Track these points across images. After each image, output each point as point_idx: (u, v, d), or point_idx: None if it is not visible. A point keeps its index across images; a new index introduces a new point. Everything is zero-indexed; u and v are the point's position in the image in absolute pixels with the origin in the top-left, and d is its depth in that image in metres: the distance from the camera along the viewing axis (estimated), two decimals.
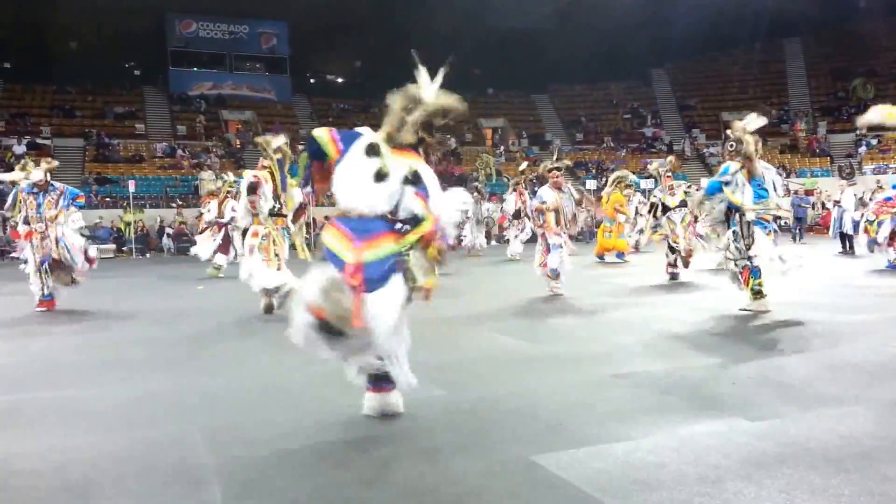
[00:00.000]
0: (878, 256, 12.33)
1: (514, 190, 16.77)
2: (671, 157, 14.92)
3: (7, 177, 9.31)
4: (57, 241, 9.08)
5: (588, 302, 8.79)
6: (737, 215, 7.56)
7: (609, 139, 35.90)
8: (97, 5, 28.46)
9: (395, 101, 4.03)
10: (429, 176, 3.96)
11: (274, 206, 8.57)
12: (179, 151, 30.07)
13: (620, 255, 14.92)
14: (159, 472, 3.31)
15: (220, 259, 13.72)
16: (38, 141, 28.20)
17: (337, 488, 3.10)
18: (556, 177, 9.54)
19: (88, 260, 9.35)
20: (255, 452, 3.57)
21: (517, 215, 16.41)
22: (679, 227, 10.91)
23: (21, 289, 9.72)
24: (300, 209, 8.84)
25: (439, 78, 4.08)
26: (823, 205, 25.51)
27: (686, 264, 11.02)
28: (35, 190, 9.18)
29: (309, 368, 4.92)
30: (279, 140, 8.85)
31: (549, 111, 39.01)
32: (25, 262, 9.30)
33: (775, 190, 7.63)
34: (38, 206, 9.14)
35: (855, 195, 17.13)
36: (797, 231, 20.94)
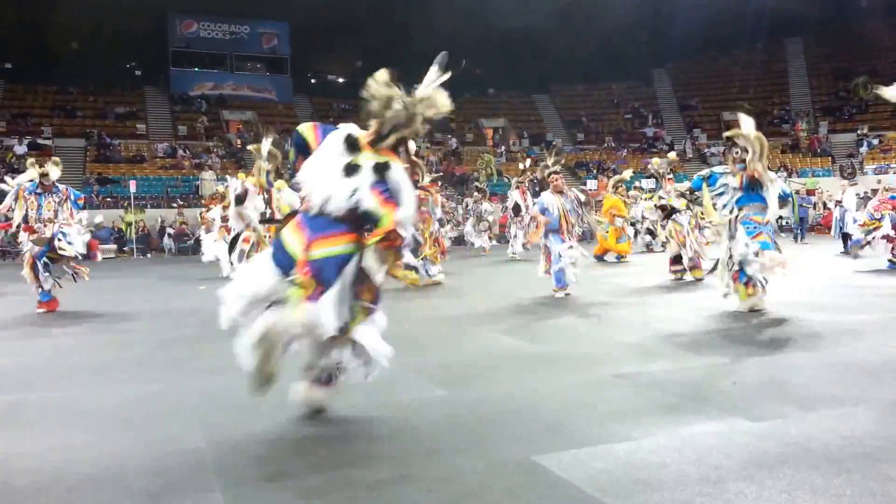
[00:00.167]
0: (867, 256, 12.28)
1: (517, 188, 16.77)
2: (672, 154, 14.91)
3: (24, 177, 9.28)
4: (54, 237, 9.03)
5: (589, 302, 8.79)
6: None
7: (610, 139, 35.90)
8: (98, 6, 28.49)
9: (377, 94, 3.91)
10: (398, 176, 3.88)
11: (265, 213, 8.61)
12: (180, 151, 30.09)
13: (619, 257, 14.94)
14: (160, 472, 3.31)
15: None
16: (40, 141, 28.23)
17: (337, 488, 3.10)
18: (556, 181, 9.47)
19: (91, 250, 9.19)
20: (255, 452, 3.56)
21: (517, 210, 16.40)
22: (686, 228, 10.80)
23: (22, 289, 9.73)
24: (291, 215, 8.87)
25: (441, 78, 4.00)
26: (825, 205, 25.50)
27: (699, 276, 10.75)
28: (39, 190, 9.16)
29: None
30: (267, 143, 8.90)
31: (550, 111, 39.03)
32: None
33: (786, 199, 7.63)
34: (40, 206, 9.12)
35: (856, 195, 17.11)
36: (799, 231, 20.92)
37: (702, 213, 9.07)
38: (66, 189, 9.51)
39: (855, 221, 13.88)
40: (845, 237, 15.75)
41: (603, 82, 39.33)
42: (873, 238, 11.98)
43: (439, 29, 30.73)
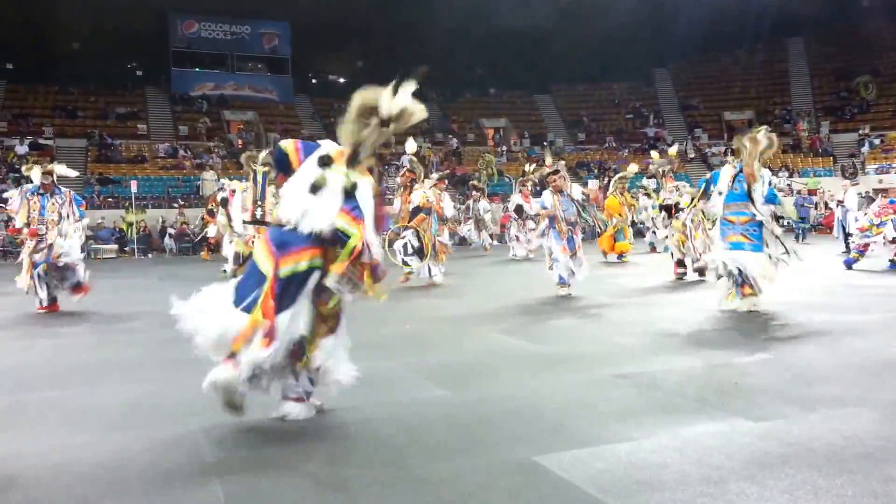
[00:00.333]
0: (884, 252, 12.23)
1: (520, 191, 16.74)
2: (673, 149, 14.89)
3: (35, 179, 9.31)
4: (56, 250, 8.98)
5: (590, 302, 8.78)
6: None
7: (611, 139, 35.87)
8: (99, 6, 28.51)
9: (351, 111, 3.95)
10: (366, 193, 3.90)
11: (255, 214, 8.67)
12: (181, 152, 30.09)
13: (619, 256, 14.94)
14: (161, 472, 3.31)
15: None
16: (41, 141, 28.24)
17: (339, 488, 3.09)
18: (555, 180, 9.45)
19: (79, 286, 9.18)
20: (257, 452, 3.56)
21: (519, 211, 16.39)
22: (689, 228, 10.77)
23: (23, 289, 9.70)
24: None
25: (409, 89, 3.98)
26: (826, 205, 25.47)
27: (702, 273, 10.75)
28: (40, 191, 9.15)
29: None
30: (263, 155, 9.01)
31: (551, 111, 39.00)
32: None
33: (770, 201, 7.62)
34: (42, 208, 9.11)
35: (858, 195, 17.08)
36: (800, 231, 20.89)
37: (703, 213, 9.11)
38: (70, 192, 9.52)
39: (857, 220, 13.85)
40: (847, 237, 15.73)
41: (604, 82, 39.31)
42: (873, 243, 11.92)
43: (440, 29, 30.77)
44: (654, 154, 15.41)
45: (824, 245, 17.89)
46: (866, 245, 11.94)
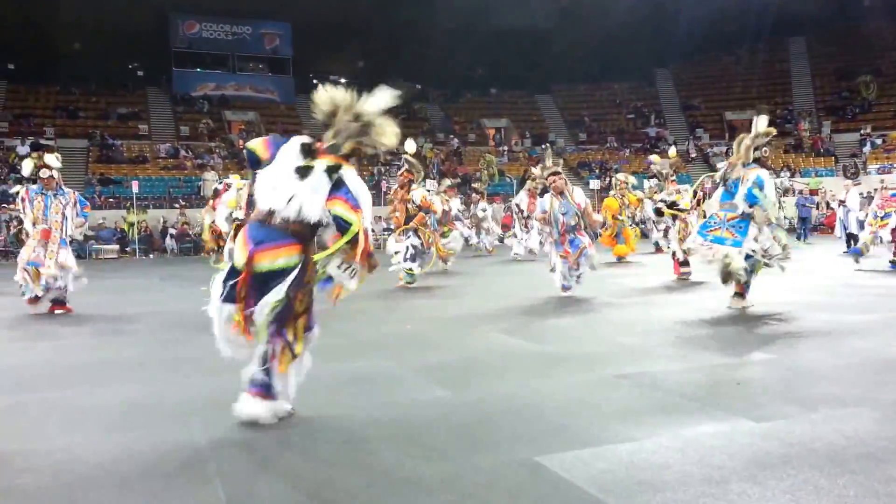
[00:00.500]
0: (875, 255, 12.23)
1: (528, 194, 16.68)
2: (672, 150, 14.87)
3: (26, 169, 9.29)
4: (57, 261, 8.89)
5: (591, 302, 8.77)
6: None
7: (612, 139, 35.87)
8: (100, 6, 28.54)
9: (323, 103, 4.01)
10: (353, 179, 3.92)
11: (249, 213, 8.66)
12: (183, 152, 30.11)
13: (619, 258, 14.93)
14: (162, 472, 3.30)
15: None
16: (42, 142, 28.23)
17: (339, 489, 3.09)
18: (554, 182, 9.40)
19: (62, 303, 9.06)
20: (257, 453, 3.56)
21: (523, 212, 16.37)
22: (692, 227, 10.74)
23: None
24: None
25: (389, 97, 4.00)
26: (828, 205, 25.46)
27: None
28: (43, 190, 9.11)
29: (309, 369, 4.90)
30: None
31: (552, 111, 39.01)
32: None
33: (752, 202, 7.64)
34: (46, 207, 9.06)
35: (860, 195, 17.08)
36: (802, 231, 20.88)
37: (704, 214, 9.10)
38: (74, 193, 9.47)
39: (858, 220, 13.85)
40: (849, 237, 15.72)
41: (605, 82, 39.31)
42: (879, 237, 11.94)
43: (441, 29, 30.78)
44: (654, 157, 15.39)
45: (826, 245, 17.88)
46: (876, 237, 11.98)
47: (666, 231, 13.60)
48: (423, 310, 8.89)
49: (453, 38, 31.32)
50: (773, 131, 7.96)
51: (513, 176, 30.91)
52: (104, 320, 8.49)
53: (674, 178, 12.11)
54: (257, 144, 4.10)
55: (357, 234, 3.81)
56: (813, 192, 26.53)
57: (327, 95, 4.00)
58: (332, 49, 34.89)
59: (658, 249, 16.36)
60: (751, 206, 7.51)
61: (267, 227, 3.86)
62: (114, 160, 28.81)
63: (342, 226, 3.82)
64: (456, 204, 12.80)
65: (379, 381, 5.00)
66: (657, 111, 37.96)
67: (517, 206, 16.68)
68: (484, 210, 19.38)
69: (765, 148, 7.74)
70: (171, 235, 24.02)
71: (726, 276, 7.40)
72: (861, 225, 14.62)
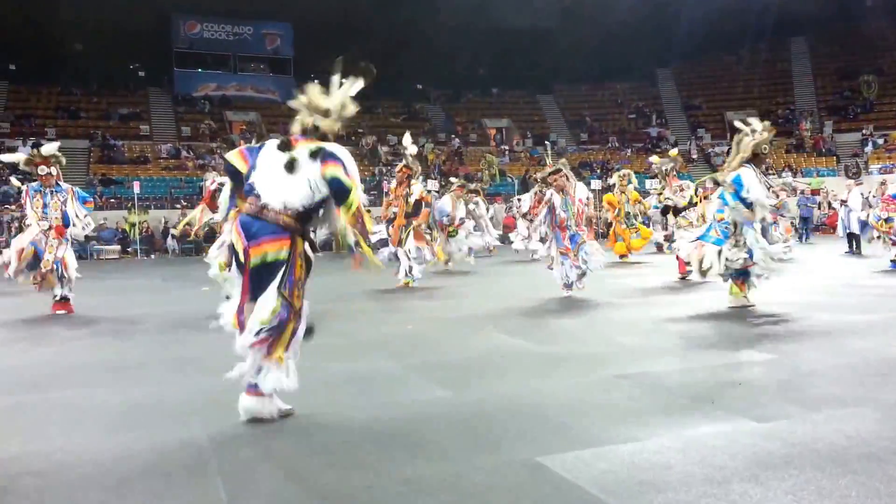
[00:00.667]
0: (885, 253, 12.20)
1: (535, 195, 16.62)
2: (673, 151, 14.86)
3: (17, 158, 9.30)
4: (56, 264, 8.86)
5: (592, 302, 8.76)
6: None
7: (614, 139, 35.86)
8: (102, 7, 28.55)
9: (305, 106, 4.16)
10: (339, 150, 3.99)
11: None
12: (184, 152, 30.14)
13: (620, 256, 14.93)
14: (163, 472, 3.30)
15: None
16: (43, 142, 28.18)
17: (340, 489, 3.08)
18: (556, 180, 9.39)
19: (66, 302, 9.05)
20: (258, 452, 3.55)
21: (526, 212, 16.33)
22: (697, 226, 10.72)
23: (24, 289, 9.71)
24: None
25: (352, 89, 4.17)
26: (830, 204, 25.44)
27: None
28: (42, 188, 9.07)
29: (309, 369, 4.90)
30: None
31: (553, 111, 39.00)
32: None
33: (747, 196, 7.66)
34: (45, 205, 9.03)
35: (861, 195, 17.05)
36: (804, 231, 20.85)
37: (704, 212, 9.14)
38: (72, 188, 9.38)
39: (860, 220, 13.84)
40: (850, 237, 15.70)
41: (607, 82, 39.29)
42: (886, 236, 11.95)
43: (443, 29, 30.76)
44: (654, 157, 15.38)
45: (827, 245, 17.87)
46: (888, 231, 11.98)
47: (670, 235, 13.63)
48: (424, 310, 8.88)
49: (454, 38, 31.29)
50: (773, 130, 8.00)
51: (514, 176, 30.90)
52: (105, 321, 8.48)
53: (675, 175, 12.09)
54: (234, 156, 4.16)
55: (357, 199, 3.88)
56: (815, 192, 26.52)
57: (300, 102, 4.16)
58: (333, 49, 34.64)
59: (660, 248, 16.35)
60: (724, 206, 7.59)
61: (258, 221, 3.89)
62: (115, 161, 28.83)
63: (339, 190, 3.87)
64: (462, 206, 12.76)
65: (379, 381, 4.99)
66: (658, 111, 37.95)
67: (518, 200, 16.60)
68: (476, 204, 19.34)
69: (764, 146, 7.71)
70: (173, 236, 24.04)
71: (703, 271, 7.70)
72: (862, 227, 14.60)
